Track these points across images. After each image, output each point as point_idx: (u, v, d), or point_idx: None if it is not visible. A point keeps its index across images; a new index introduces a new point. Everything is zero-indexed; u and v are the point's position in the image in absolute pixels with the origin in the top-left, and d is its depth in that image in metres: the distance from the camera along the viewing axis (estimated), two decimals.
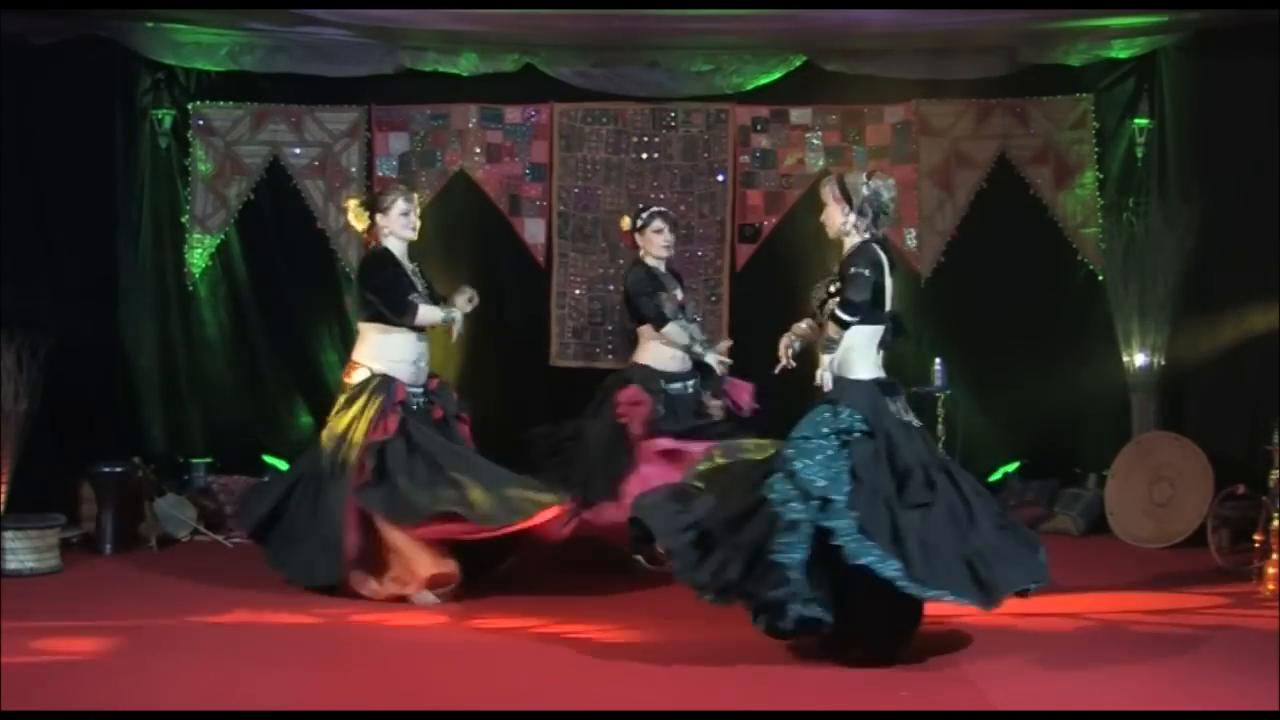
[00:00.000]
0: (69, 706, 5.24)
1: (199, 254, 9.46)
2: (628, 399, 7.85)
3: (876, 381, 6.01)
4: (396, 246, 7.34)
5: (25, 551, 7.52)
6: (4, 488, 8.03)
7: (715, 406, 8.00)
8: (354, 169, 9.49)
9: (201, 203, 9.47)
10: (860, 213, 6.05)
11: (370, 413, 7.01)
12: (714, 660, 5.91)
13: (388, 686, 5.58)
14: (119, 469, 8.31)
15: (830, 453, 5.79)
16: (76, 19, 8.62)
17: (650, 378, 7.93)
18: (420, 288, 7.34)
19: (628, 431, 7.81)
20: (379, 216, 7.35)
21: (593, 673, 5.83)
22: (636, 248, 8.10)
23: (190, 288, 9.46)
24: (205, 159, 9.47)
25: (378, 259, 7.34)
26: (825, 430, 5.83)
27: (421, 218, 9.40)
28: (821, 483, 5.70)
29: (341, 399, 7.21)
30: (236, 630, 6.48)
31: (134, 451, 8.62)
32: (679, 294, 8.04)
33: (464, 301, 7.39)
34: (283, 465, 9.35)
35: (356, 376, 7.18)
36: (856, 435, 5.83)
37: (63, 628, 6.41)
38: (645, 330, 8.03)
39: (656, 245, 7.99)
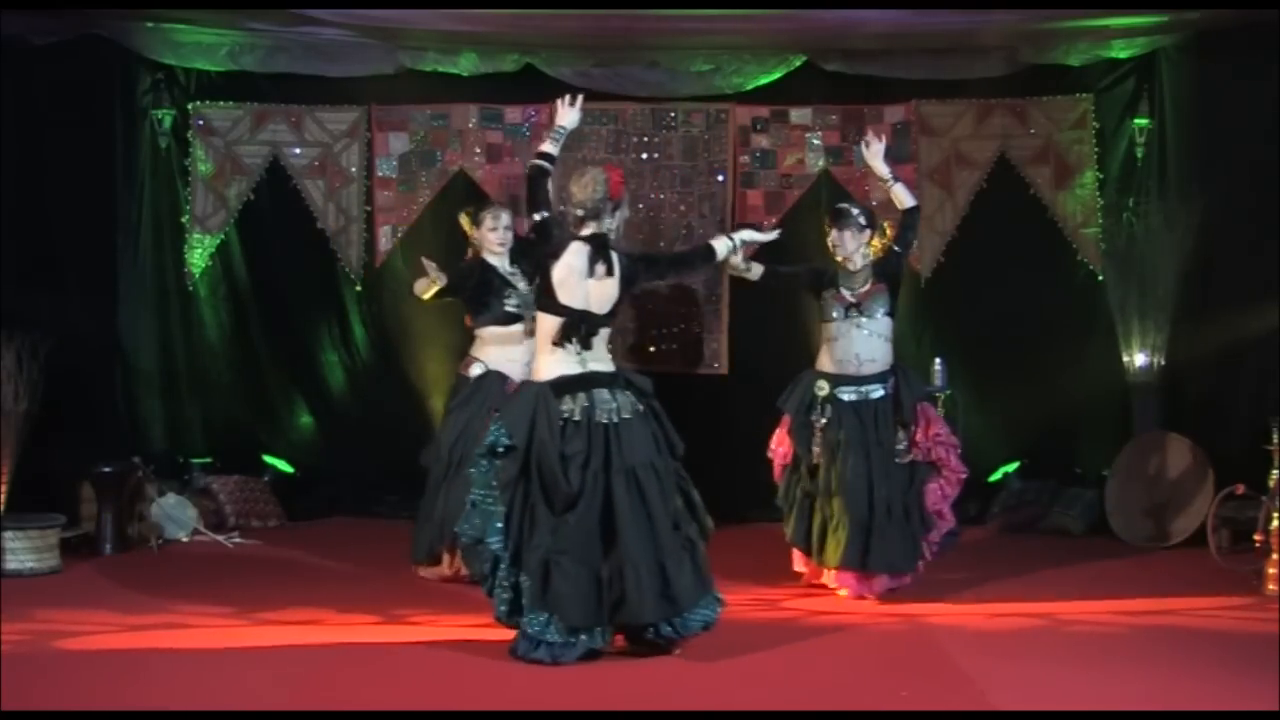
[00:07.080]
0: (70, 706, 5.24)
1: (199, 254, 9.47)
2: None
3: (553, 382, 5.95)
4: (493, 259, 7.49)
5: (25, 551, 7.52)
6: (4, 488, 8.02)
7: None
8: (354, 169, 9.49)
9: (201, 203, 9.48)
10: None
11: (484, 410, 7.08)
12: (713, 660, 5.91)
13: (387, 686, 5.58)
14: (119, 469, 8.30)
15: (488, 475, 5.97)
16: (76, 19, 8.61)
17: None
18: (519, 286, 7.42)
19: None
20: (473, 230, 7.56)
21: (592, 673, 5.83)
22: None
23: (190, 288, 9.47)
24: (205, 159, 9.47)
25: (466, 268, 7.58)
26: (483, 448, 6.02)
27: (421, 218, 9.54)
28: (493, 539, 5.89)
29: (457, 394, 7.43)
30: (235, 630, 6.47)
31: (134, 451, 8.61)
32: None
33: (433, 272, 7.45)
34: (283, 465, 9.38)
35: (473, 370, 7.41)
36: (501, 450, 5.95)
37: (63, 628, 6.41)
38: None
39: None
